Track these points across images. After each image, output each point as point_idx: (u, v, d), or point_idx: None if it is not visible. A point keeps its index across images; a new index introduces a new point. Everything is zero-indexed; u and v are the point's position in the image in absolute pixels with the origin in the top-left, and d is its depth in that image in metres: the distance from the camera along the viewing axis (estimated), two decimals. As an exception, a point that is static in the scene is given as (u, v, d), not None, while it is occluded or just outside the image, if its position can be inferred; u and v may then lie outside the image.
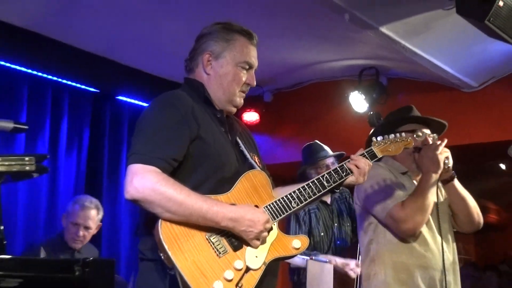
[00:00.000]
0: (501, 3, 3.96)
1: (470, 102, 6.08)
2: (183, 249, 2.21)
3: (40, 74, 5.53)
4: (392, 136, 2.76)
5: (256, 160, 2.57)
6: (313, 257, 4.22)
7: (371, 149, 2.68)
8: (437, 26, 4.92)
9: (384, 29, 4.91)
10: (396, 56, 5.56)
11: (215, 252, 2.25)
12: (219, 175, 2.38)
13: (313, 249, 4.51)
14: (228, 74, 2.54)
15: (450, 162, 3.10)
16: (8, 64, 5.28)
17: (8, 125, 3.05)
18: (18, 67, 5.35)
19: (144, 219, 2.36)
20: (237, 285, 2.23)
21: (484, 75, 5.94)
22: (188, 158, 2.35)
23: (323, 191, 2.50)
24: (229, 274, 2.22)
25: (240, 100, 2.59)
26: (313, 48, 5.76)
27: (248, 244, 2.30)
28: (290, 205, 2.42)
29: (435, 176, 3.05)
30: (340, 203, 4.70)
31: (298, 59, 6.04)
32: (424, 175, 3.08)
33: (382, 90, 6.09)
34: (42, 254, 4.31)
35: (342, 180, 2.54)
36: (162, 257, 2.22)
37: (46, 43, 5.27)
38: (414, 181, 3.25)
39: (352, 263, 4.27)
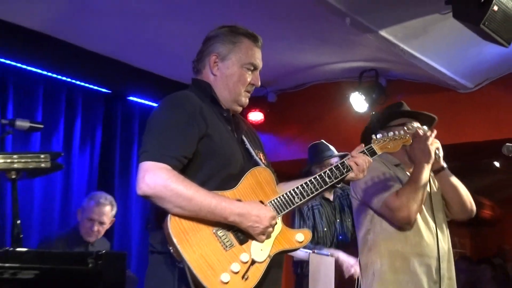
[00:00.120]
0: (495, 8, 3.95)
1: (466, 103, 6.06)
2: (191, 242, 2.21)
3: (55, 75, 5.53)
4: (391, 133, 2.75)
5: (261, 157, 2.57)
6: (316, 251, 4.22)
7: (371, 146, 2.67)
8: (435, 29, 4.91)
9: (383, 33, 4.90)
10: (395, 59, 5.55)
11: (222, 245, 2.25)
12: (226, 172, 2.38)
13: (316, 243, 4.51)
14: (234, 75, 2.53)
15: (441, 153, 3.11)
16: (24, 66, 5.28)
17: (25, 124, 3.06)
18: (34, 69, 5.36)
19: (154, 214, 2.36)
20: (243, 277, 2.23)
21: (479, 77, 5.93)
22: (196, 155, 2.35)
23: (325, 187, 2.50)
24: (236, 266, 2.22)
25: (245, 100, 2.59)
26: (315, 51, 5.75)
27: (253, 238, 2.30)
28: (293, 200, 2.42)
29: (427, 166, 3.05)
30: (342, 200, 4.69)
31: (301, 61, 6.03)
32: (417, 166, 3.07)
33: (381, 91, 6.08)
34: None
35: (343, 176, 2.54)
36: (171, 250, 2.22)
37: (61, 46, 5.27)
38: (407, 173, 3.24)
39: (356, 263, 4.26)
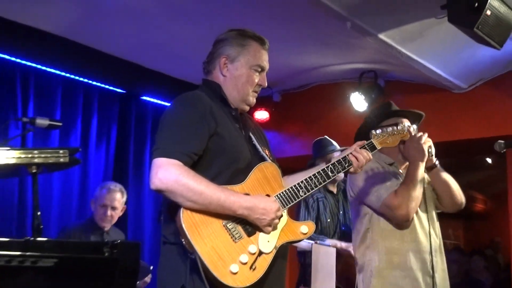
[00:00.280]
0: (488, 12, 3.94)
1: (460, 102, 6.04)
2: (202, 235, 2.20)
3: (72, 76, 5.54)
4: (390, 129, 2.74)
5: (267, 153, 2.56)
6: (318, 242, 4.22)
7: (371, 141, 2.66)
8: (431, 33, 4.89)
9: (382, 36, 4.88)
10: (393, 61, 5.53)
11: (231, 237, 2.25)
12: (234, 167, 2.37)
13: (320, 233, 4.53)
14: (242, 76, 2.52)
15: (433, 150, 3.08)
16: (44, 68, 5.30)
17: (44, 122, 3.06)
18: (53, 71, 5.37)
19: (167, 207, 2.35)
20: (251, 267, 2.22)
21: (472, 78, 5.90)
22: (206, 152, 2.34)
23: (327, 181, 2.49)
24: (244, 257, 2.22)
25: (253, 100, 2.57)
26: (318, 53, 5.74)
27: (261, 230, 2.29)
28: (298, 193, 2.41)
29: (421, 164, 3.02)
30: (345, 193, 4.70)
31: (304, 63, 6.02)
32: (412, 164, 3.04)
33: (380, 91, 6.06)
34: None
35: (345, 170, 2.53)
36: (183, 242, 2.21)
37: (78, 49, 5.27)
38: (401, 171, 3.22)
39: None
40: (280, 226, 2.34)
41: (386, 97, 6.04)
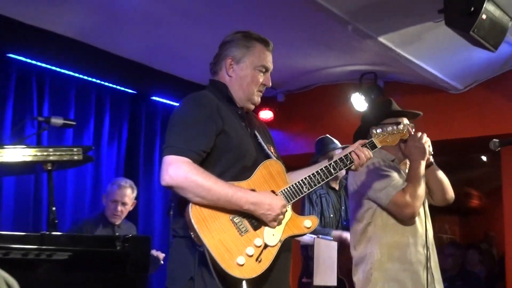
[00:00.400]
0: (484, 16, 3.93)
1: (456, 102, 6.02)
2: (210, 229, 2.20)
3: (85, 78, 5.53)
4: (389, 128, 2.72)
5: (272, 151, 2.55)
6: (321, 236, 4.22)
7: (372, 140, 2.64)
8: (428, 36, 4.87)
9: (382, 39, 4.86)
10: (392, 63, 5.51)
11: (238, 231, 2.24)
12: (241, 164, 2.36)
13: (323, 227, 4.55)
14: (248, 76, 2.51)
15: (431, 149, 3.07)
16: (59, 70, 5.29)
17: (59, 121, 3.05)
18: (67, 72, 5.36)
19: (176, 202, 2.35)
20: (257, 259, 2.22)
21: (468, 79, 5.88)
22: (214, 149, 2.33)
23: (330, 177, 2.48)
24: (250, 250, 2.21)
25: (257, 99, 2.56)
26: (320, 56, 5.72)
27: (266, 224, 2.28)
28: (302, 189, 2.40)
29: (423, 163, 3.02)
30: (347, 189, 4.70)
31: (307, 65, 6.01)
32: (414, 163, 3.03)
33: (379, 92, 6.04)
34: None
35: (346, 167, 2.52)
36: (192, 235, 2.21)
37: (91, 51, 5.27)
38: (400, 168, 3.21)
39: None
40: (284, 220, 2.33)
41: (386, 97, 6.03)
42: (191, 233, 2.21)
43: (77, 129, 5.33)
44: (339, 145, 4.69)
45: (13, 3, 4.49)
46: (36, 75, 5.10)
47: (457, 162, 8.25)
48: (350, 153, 2.52)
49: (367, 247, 3.11)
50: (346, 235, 4.37)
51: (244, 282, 2.18)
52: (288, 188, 2.38)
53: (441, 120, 5.90)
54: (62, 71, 5.32)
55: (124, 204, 4.52)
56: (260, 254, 2.22)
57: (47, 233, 2.42)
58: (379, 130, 2.69)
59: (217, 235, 2.19)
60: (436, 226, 9.83)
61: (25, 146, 2.63)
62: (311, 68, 6.11)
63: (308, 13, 4.54)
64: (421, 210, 3.13)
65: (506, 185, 5.99)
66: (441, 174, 3.21)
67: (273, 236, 2.28)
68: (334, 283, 4.26)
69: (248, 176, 2.34)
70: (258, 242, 2.24)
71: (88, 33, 5.06)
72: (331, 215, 4.66)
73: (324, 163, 2.50)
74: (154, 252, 4.39)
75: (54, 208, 2.61)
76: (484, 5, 3.86)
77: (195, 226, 2.18)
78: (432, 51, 5.23)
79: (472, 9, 3.86)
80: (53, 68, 5.24)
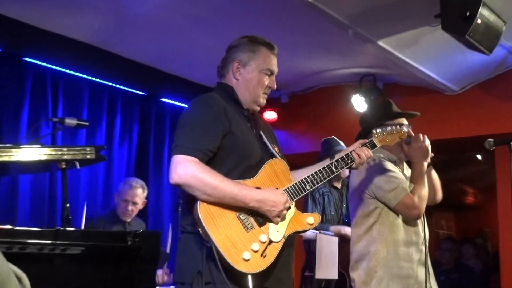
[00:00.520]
0: (479, 21, 3.92)
1: (452, 104, 6.01)
2: (217, 225, 2.19)
3: (98, 80, 5.54)
4: (389, 128, 2.70)
5: (276, 150, 2.53)
6: (322, 231, 4.21)
7: (372, 140, 2.63)
8: (425, 40, 4.86)
9: (381, 43, 4.85)
10: (391, 65, 5.50)
11: (244, 227, 2.23)
12: (246, 163, 2.35)
13: (325, 223, 4.55)
14: (254, 79, 2.50)
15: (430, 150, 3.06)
16: (72, 72, 5.30)
17: (72, 122, 3.05)
18: (81, 75, 5.37)
19: (185, 200, 2.34)
20: (262, 255, 2.21)
21: (464, 81, 5.87)
22: (221, 149, 2.32)
23: (332, 176, 2.47)
24: (256, 246, 2.21)
25: (263, 101, 2.55)
26: (322, 59, 5.72)
27: (270, 221, 2.27)
28: (305, 187, 2.38)
29: (425, 164, 3.01)
30: (348, 188, 4.68)
31: (309, 68, 6.01)
32: (417, 164, 3.00)
33: (379, 94, 6.02)
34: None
35: (347, 166, 2.50)
36: (200, 231, 2.20)
37: (104, 55, 5.28)
38: (399, 167, 3.18)
39: None
40: (288, 217, 2.33)
41: (385, 99, 6.01)
42: (199, 229, 2.20)
43: (90, 129, 5.33)
44: (344, 147, 4.64)
45: (29, 9, 4.50)
46: (51, 78, 5.11)
47: (453, 161, 8.23)
48: (350, 152, 2.51)
49: (371, 244, 3.07)
50: (345, 230, 4.36)
51: (249, 276, 2.17)
52: (292, 186, 2.37)
53: (437, 120, 5.89)
54: (76, 74, 5.32)
55: (134, 203, 4.51)
56: (265, 250, 2.22)
57: (61, 228, 2.42)
58: (378, 130, 2.67)
59: (224, 231, 2.19)
60: (433, 222, 9.81)
61: (41, 146, 2.63)
62: (313, 70, 6.10)
63: (310, 18, 4.53)
64: None
65: (500, 182, 5.97)
66: (435, 175, 3.19)
67: (277, 232, 2.27)
68: (335, 276, 4.26)
69: (254, 174, 2.33)
70: (263, 238, 2.23)
71: (100, 37, 5.07)
72: (332, 213, 4.65)
73: (326, 162, 2.49)
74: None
75: (68, 205, 2.61)
76: (479, 10, 3.85)
77: (203, 223, 2.17)
78: (429, 54, 5.21)
79: (468, 14, 3.85)
80: (67, 71, 5.25)
